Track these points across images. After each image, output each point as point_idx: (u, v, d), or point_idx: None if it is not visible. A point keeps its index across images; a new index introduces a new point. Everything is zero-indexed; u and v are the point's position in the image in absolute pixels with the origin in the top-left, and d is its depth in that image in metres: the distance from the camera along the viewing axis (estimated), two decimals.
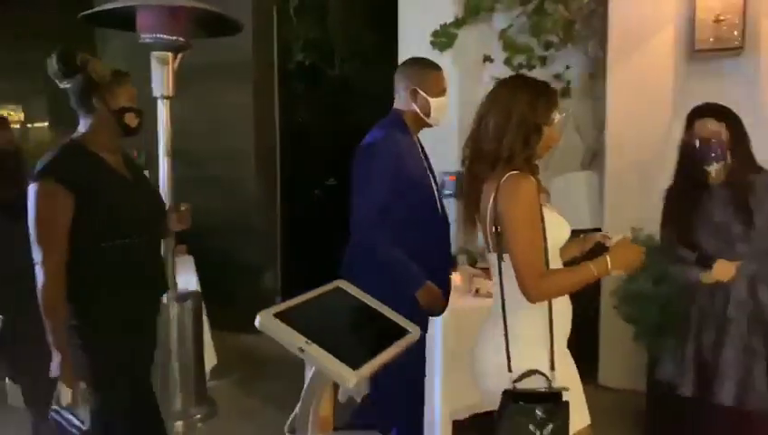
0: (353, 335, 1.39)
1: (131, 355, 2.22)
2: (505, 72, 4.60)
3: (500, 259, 1.81)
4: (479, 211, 1.88)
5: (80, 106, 2.19)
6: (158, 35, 3.14)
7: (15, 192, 2.52)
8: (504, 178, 1.76)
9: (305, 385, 1.32)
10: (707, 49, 3.52)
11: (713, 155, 2.40)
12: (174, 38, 3.16)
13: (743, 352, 2.39)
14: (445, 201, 2.72)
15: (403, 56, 4.86)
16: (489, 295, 3.29)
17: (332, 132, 5.80)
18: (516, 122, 1.78)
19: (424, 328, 2.46)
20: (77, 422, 2.02)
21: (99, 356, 2.10)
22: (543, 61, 4.36)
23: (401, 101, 2.55)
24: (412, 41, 4.65)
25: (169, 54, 3.23)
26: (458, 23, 4.52)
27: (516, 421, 1.73)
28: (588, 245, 2.02)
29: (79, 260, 2.07)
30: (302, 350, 1.22)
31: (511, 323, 1.80)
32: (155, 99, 3.30)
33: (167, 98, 3.31)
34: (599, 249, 1.92)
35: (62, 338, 2.02)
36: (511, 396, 1.75)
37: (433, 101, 2.48)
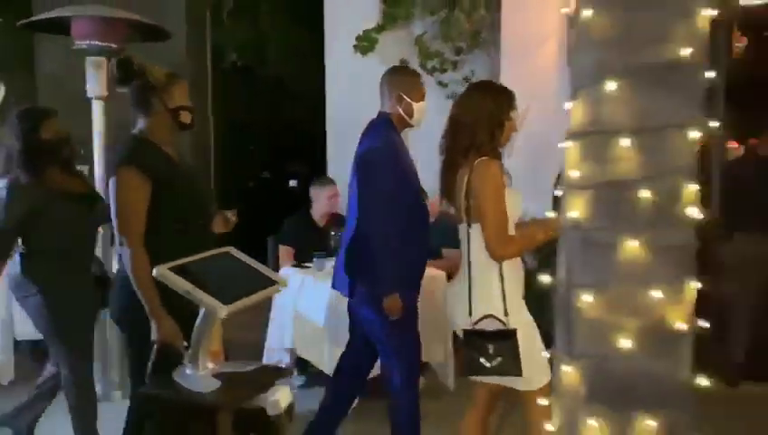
0: (232, 284, 1.80)
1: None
2: (421, 75, 5.00)
3: (468, 227, 2.24)
4: (455, 191, 2.31)
5: (139, 107, 2.37)
6: (91, 42, 3.40)
7: (81, 183, 2.76)
8: (476, 162, 2.20)
9: (197, 323, 1.73)
10: None
11: None
12: (106, 44, 3.42)
13: None
14: None
15: (329, 59, 5.20)
16: None
17: (266, 128, 6.16)
18: (484, 119, 2.24)
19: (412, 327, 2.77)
20: None
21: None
22: (455, 65, 4.82)
23: (387, 105, 2.77)
24: (337, 44, 5.01)
25: (103, 59, 3.47)
26: (379, 28, 4.93)
27: (470, 354, 2.21)
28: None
29: (149, 244, 2.19)
30: (188, 292, 1.63)
31: (474, 278, 2.23)
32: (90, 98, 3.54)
33: (100, 99, 3.55)
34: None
35: (158, 306, 2.14)
36: (469, 334, 2.21)
37: (416, 105, 2.74)
